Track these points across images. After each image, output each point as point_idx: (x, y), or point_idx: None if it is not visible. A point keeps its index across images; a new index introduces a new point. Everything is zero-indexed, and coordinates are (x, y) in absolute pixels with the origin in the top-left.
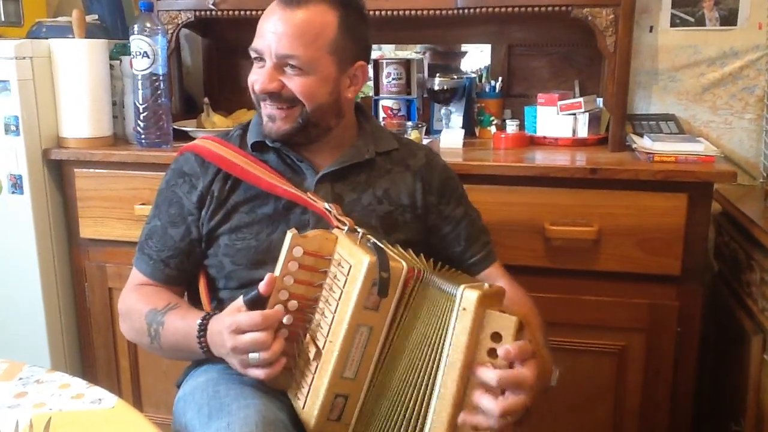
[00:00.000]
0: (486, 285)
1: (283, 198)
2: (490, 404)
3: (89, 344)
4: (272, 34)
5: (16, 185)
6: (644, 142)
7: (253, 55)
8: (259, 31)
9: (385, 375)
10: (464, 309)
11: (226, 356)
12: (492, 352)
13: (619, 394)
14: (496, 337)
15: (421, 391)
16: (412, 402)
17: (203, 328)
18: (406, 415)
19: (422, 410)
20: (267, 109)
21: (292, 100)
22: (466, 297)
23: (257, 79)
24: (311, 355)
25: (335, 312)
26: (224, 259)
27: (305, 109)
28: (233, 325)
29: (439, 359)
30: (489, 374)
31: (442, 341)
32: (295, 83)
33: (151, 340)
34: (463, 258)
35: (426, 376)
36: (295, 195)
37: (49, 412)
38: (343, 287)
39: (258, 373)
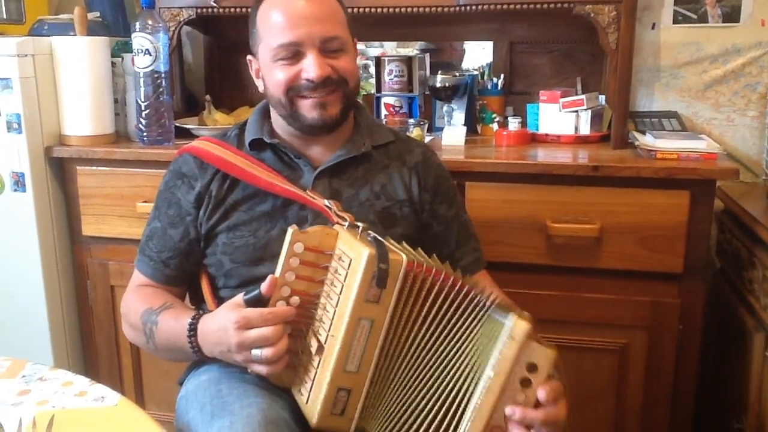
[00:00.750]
0: (526, 314)
1: (282, 195)
2: None
3: (91, 342)
4: (308, 22)
5: (19, 183)
6: (646, 140)
7: (281, 53)
8: (285, 24)
9: (391, 370)
10: (512, 338)
11: (224, 354)
12: (525, 382)
13: (621, 391)
14: (532, 367)
15: (448, 405)
16: (433, 411)
17: (193, 328)
18: (425, 423)
19: (449, 424)
20: (314, 99)
21: (338, 82)
22: (518, 328)
23: (305, 69)
24: (314, 350)
25: (337, 306)
26: (223, 258)
27: (348, 88)
28: (241, 320)
29: (477, 381)
30: (533, 414)
31: (481, 363)
32: (341, 63)
33: (147, 339)
34: (452, 260)
35: (456, 391)
36: (295, 193)
37: (52, 409)
38: (344, 281)
39: (261, 369)
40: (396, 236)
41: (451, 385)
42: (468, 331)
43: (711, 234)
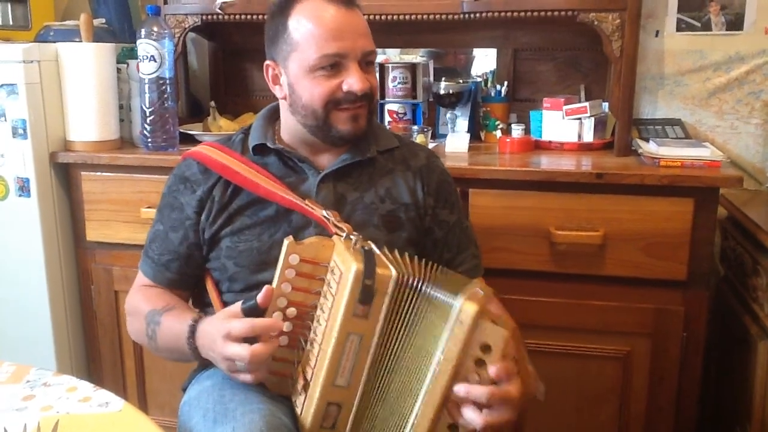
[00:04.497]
0: (481, 291)
1: (281, 205)
2: (474, 417)
3: (95, 347)
4: (352, 33)
5: (24, 188)
6: (650, 147)
7: (322, 63)
8: (329, 36)
9: (380, 384)
10: (461, 322)
11: (215, 360)
12: (479, 362)
13: (624, 398)
14: (486, 348)
15: (409, 399)
16: (403, 410)
17: (193, 330)
18: (396, 422)
19: (405, 412)
20: (350, 111)
21: (369, 97)
22: (465, 310)
23: (347, 82)
24: (307, 363)
25: (328, 320)
26: (227, 262)
27: (373, 103)
28: (224, 330)
29: (428, 366)
30: (478, 391)
31: (433, 349)
32: (372, 79)
33: (149, 339)
34: (451, 266)
35: (416, 384)
36: (294, 203)
37: (56, 415)
38: (335, 295)
39: (243, 378)
40: (401, 240)
41: (411, 376)
42: (422, 322)
43: (714, 241)
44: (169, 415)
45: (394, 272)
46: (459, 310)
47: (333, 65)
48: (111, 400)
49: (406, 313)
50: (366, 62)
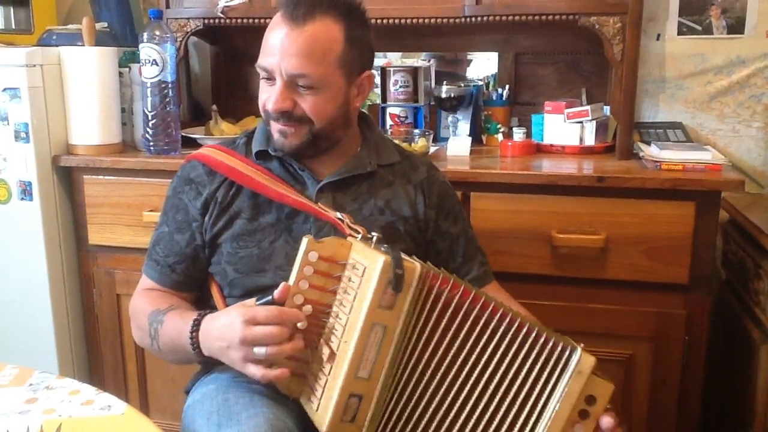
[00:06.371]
0: (581, 344)
1: (287, 206)
2: None
3: (97, 350)
4: (281, 53)
5: (26, 192)
6: (651, 151)
7: (262, 73)
8: (266, 48)
9: (405, 378)
10: (580, 372)
11: (222, 350)
12: (583, 413)
13: (626, 402)
14: (591, 399)
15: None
16: None
17: (197, 324)
18: None
19: None
20: (278, 125)
21: (300, 119)
22: (585, 361)
23: (269, 98)
24: (325, 358)
25: (350, 313)
26: (227, 267)
27: (314, 127)
28: (249, 314)
29: (540, 412)
30: None
31: (542, 394)
32: (307, 102)
33: (152, 340)
34: (459, 274)
35: (512, 420)
36: (306, 205)
37: (59, 418)
38: (358, 288)
39: (255, 370)
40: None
41: (502, 411)
42: (520, 360)
43: (716, 245)
44: (170, 418)
45: (419, 266)
46: (579, 360)
47: (269, 77)
48: (113, 403)
49: (456, 320)
50: (298, 84)
